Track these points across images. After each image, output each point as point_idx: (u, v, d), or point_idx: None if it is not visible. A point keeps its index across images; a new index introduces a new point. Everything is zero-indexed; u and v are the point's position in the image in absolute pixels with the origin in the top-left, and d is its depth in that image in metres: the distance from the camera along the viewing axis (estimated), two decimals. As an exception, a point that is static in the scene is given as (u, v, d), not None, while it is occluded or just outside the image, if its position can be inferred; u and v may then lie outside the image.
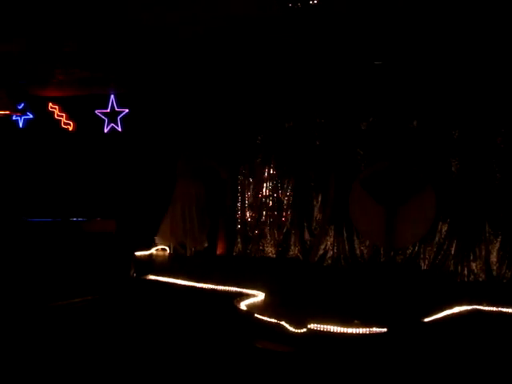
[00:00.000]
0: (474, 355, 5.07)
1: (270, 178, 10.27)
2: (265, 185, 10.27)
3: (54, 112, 12.22)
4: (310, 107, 10.02)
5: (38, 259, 8.48)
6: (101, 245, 9.42)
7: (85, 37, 8.62)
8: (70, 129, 12.27)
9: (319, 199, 9.90)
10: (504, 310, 6.65)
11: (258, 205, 10.35)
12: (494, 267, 8.65)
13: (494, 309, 6.67)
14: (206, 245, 10.30)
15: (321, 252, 9.74)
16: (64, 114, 12.25)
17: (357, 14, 7.16)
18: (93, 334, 5.74)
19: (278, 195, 10.22)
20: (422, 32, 7.70)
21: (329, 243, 9.72)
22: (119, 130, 11.65)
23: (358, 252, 9.54)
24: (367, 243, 9.49)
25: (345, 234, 9.61)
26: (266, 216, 10.25)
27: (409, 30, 7.67)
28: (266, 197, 10.28)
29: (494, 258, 8.67)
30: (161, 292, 7.39)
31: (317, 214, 9.90)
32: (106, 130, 11.73)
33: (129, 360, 5.02)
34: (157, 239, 10.29)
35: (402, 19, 7.27)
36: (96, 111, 11.77)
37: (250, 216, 10.40)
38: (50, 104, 12.21)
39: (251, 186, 10.42)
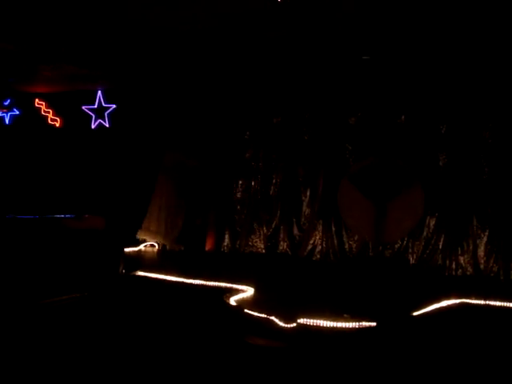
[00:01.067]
0: (462, 348, 5.10)
1: (259, 173, 10.25)
2: (253, 180, 10.24)
3: (40, 108, 12.14)
4: (299, 102, 10.01)
5: (26, 257, 8.42)
6: (90, 241, 9.37)
7: (72, 34, 8.60)
8: (57, 125, 12.19)
9: (308, 194, 9.90)
10: (492, 303, 6.70)
11: (246, 200, 10.33)
12: (482, 261, 8.71)
13: (482, 302, 6.72)
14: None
15: (310, 247, 9.75)
16: (51, 110, 12.18)
17: (345, 8, 7.17)
18: (82, 330, 5.72)
19: (266, 190, 10.20)
20: (410, 27, 7.72)
21: (318, 238, 9.74)
22: (107, 125, 11.59)
23: (346, 247, 9.56)
24: (356, 238, 9.51)
25: (333, 229, 9.62)
26: (254, 211, 10.24)
27: (397, 25, 7.69)
28: (255, 192, 10.26)
29: (481, 252, 8.72)
30: (150, 288, 7.38)
31: (305, 209, 9.91)
32: (93, 126, 11.67)
33: (119, 356, 5.01)
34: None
35: (389, 14, 7.28)
36: (83, 107, 11.70)
37: (239, 211, 10.38)
38: (37, 100, 12.14)
39: (240, 182, 10.40)
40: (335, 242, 9.58)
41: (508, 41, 7.86)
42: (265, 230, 10.12)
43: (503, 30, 7.65)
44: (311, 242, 9.76)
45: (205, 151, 10.43)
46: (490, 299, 6.78)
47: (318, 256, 9.65)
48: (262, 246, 10.11)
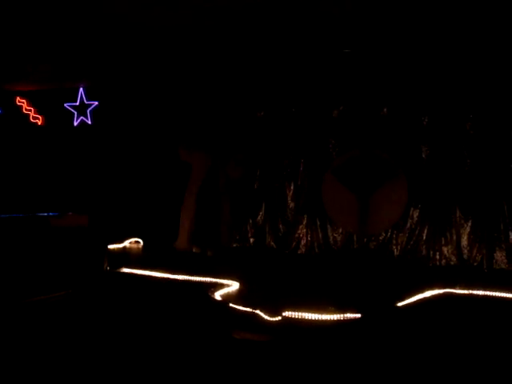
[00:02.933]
0: (446, 337, 5.14)
1: (242, 165, 10.24)
2: (238, 173, 10.21)
3: (22, 106, 12.04)
4: (282, 96, 10.00)
5: (10, 255, 8.37)
6: (74, 239, 9.33)
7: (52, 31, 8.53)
8: (39, 123, 12.10)
9: (292, 188, 9.91)
10: (475, 292, 6.76)
11: (230, 194, 10.32)
12: (465, 251, 8.77)
13: (466, 292, 6.78)
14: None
15: (295, 240, 9.78)
16: (32, 108, 12.08)
17: (326, 2, 7.18)
18: (68, 328, 5.69)
19: (250, 184, 10.19)
20: (391, 19, 7.74)
21: (302, 231, 9.76)
22: (89, 122, 11.53)
23: (331, 240, 9.59)
24: (340, 231, 9.54)
25: (318, 222, 9.65)
26: (239, 205, 10.23)
27: (378, 18, 7.70)
28: (239, 186, 10.26)
29: (464, 241, 8.79)
30: (135, 285, 7.36)
31: (290, 203, 9.92)
32: (75, 124, 11.60)
33: (105, 352, 4.99)
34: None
35: (371, 7, 7.29)
36: (65, 105, 11.63)
37: (223, 206, 10.36)
38: (18, 98, 12.03)
39: (224, 176, 10.38)
40: (320, 235, 9.61)
41: (488, 32, 7.91)
42: (250, 224, 10.12)
43: (483, 22, 7.69)
44: (296, 235, 9.78)
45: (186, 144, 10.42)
46: (473, 288, 6.83)
47: (303, 249, 9.67)
48: (248, 240, 10.12)
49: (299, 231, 9.78)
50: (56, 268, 7.78)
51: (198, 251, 9.51)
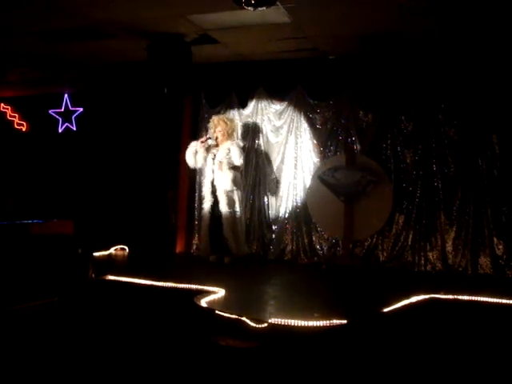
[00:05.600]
0: (431, 342, 5.17)
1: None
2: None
3: (6, 113, 11.99)
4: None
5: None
6: (58, 246, 9.26)
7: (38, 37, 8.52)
8: (24, 129, 12.06)
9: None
10: (460, 297, 6.80)
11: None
12: (450, 256, 8.82)
13: (451, 297, 6.81)
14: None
15: (280, 246, 9.77)
16: (17, 115, 12.03)
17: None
18: (52, 336, 5.65)
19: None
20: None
21: (288, 238, 9.77)
22: (74, 129, 11.49)
23: (317, 246, 9.61)
24: (326, 237, 9.56)
25: (303, 228, 9.66)
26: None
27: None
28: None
29: (449, 247, 8.84)
30: (120, 292, 7.32)
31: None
32: (60, 130, 11.56)
33: (89, 361, 4.96)
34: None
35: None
36: (50, 111, 11.59)
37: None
38: (2, 104, 11.98)
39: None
40: (305, 241, 9.62)
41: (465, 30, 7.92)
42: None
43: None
44: (282, 241, 9.78)
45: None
46: (458, 294, 6.87)
47: (289, 256, 9.68)
48: (233, 247, 10.09)
49: (285, 237, 9.79)
50: (41, 276, 7.71)
51: (215, 260, 9.31)
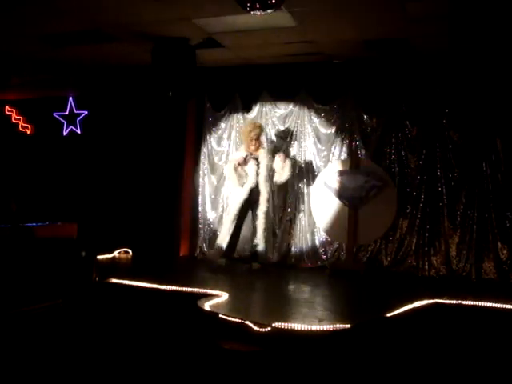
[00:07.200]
0: (435, 347, 5.16)
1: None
2: (225, 183, 10.22)
3: (10, 115, 12.01)
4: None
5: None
6: (63, 249, 9.27)
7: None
8: (28, 132, 12.08)
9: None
10: (463, 302, 6.78)
11: (219, 203, 10.31)
12: (454, 261, 8.80)
13: (454, 302, 6.79)
14: None
15: (284, 250, 9.77)
16: (21, 118, 12.05)
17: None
18: (56, 338, 5.66)
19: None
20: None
21: (291, 241, 9.76)
22: (78, 132, 11.50)
23: (321, 250, 9.60)
24: (330, 241, 9.56)
25: (307, 233, 9.65)
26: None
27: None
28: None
29: (453, 252, 8.82)
30: (124, 295, 7.32)
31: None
32: (64, 133, 11.56)
33: (92, 363, 4.96)
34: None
35: None
36: (54, 114, 11.60)
37: (212, 215, 10.36)
38: (7, 107, 12.00)
39: (213, 187, 10.38)
40: (309, 245, 9.62)
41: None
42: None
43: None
44: (285, 245, 9.77)
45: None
46: (462, 299, 6.85)
47: (293, 260, 9.67)
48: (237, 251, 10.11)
49: (288, 241, 9.78)
50: (45, 278, 7.72)
51: (223, 264, 9.23)
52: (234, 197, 9.45)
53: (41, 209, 11.28)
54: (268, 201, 9.12)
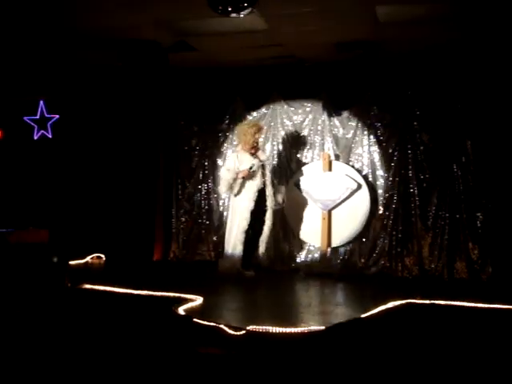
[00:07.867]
0: (408, 346, 5.20)
1: (206, 179, 10.23)
2: (200, 186, 10.19)
3: (-20, 120, 11.82)
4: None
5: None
6: (33, 255, 9.14)
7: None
8: (-2, 136, 11.90)
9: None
10: (436, 302, 6.84)
11: (193, 207, 10.28)
12: (427, 261, 8.90)
13: (427, 302, 6.85)
14: None
15: (258, 253, 9.73)
16: (-9, 122, 11.87)
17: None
18: (26, 345, 5.58)
19: (213, 196, 10.18)
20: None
21: (266, 244, 9.73)
22: (50, 136, 11.36)
23: (295, 252, 9.62)
24: (303, 243, 9.58)
25: (281, 235, 9.67)
26: (201, 218, 10.20)
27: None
28: (202, 199, 10.23)
29: (426, 252, 8.91)
30: (97, 301, 7.25)
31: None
32: (35, 137, 11.41)
33: (64, 371, 4.90)
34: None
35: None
36: (25, 118, 11.44)
37: (186, 218, 10.32)
38: (-24, 112, 11.81)
39: (186, 190, 10.35)
40: (283, 247, 9.63)
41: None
42: (212, 238, 10.10)
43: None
44: (259, 248, 9.74)
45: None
46: (434, 298, 6.91)
47: (267, 263, 9.65)
48: (211, 254, 10.08)
49: (263, 244, 9.74)
50: (15, 285, 7.61)
51: (252, 276, 8.65)
52: (240, 204, 8.64)
53: (11, 214, 11.12)
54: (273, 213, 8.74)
